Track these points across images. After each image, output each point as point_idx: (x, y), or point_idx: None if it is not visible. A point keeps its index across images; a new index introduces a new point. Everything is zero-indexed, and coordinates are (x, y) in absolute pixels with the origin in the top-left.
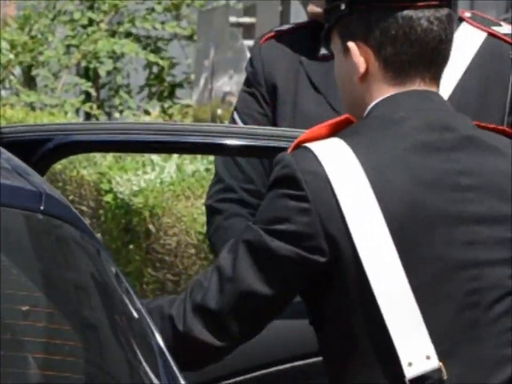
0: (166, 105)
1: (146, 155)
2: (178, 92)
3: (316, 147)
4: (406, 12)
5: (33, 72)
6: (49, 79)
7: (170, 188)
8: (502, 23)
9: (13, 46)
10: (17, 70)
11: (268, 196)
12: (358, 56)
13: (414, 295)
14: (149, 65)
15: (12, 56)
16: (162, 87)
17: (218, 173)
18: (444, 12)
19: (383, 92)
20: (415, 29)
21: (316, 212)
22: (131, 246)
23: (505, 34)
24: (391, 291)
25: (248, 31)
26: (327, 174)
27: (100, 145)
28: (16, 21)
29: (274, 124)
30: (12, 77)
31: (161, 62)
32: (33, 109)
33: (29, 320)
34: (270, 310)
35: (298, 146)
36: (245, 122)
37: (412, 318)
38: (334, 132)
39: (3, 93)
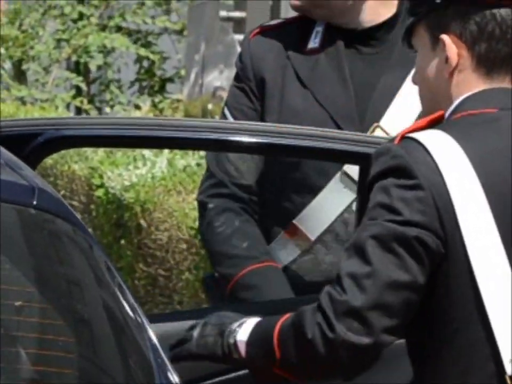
0: (156, 100)
1: (138, 150)
2: (169, 87)
3: (422, 137)
4: (505, 11)
5: (24, 67)
6: (40, 74)
7: (161, 183)
8: None
9: (3, 40)
10: (7, 65)
11: (379, 187)
12: (454, 49)
13: None
14: (139, 59)
15: (2, 50)
16: (152, 82)
17: (210, 168)
18: None
19: (470, 87)
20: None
21: (431, 199)
22: (122, 241)
23: None
24: (496, 287)
25: (238, 25)
26: (437, 163)
27: (91, 140)
28: (7, 15)
29: (262, 118)
30: (2, 71)
31: (151, 56)
32: (23, 103)
33: (22, 315)
34: (412, 299)
35: (404, 137)
36: (235, 117)
37: None
38: (431, 126)
39: None
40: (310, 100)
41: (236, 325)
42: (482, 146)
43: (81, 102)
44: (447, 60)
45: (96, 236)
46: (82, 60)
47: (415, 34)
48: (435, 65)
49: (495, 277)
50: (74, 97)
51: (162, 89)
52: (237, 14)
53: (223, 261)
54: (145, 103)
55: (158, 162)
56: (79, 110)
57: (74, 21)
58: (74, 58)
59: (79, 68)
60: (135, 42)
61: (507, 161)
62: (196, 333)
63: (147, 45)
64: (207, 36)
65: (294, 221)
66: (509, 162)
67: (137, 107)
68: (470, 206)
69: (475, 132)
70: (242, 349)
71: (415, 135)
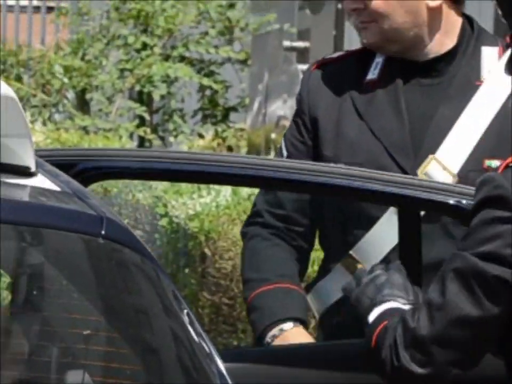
0: (219, 129)
1: None
2: (232, 116)
3: None
4: None
5: (87, 96)
6: (103, 103)
7: (225, 212)
8: None
9: (66, 70)
10: (71, 94)
11: (478, 217)
12: None
13: None
14: (202, 89)
15: (65, 80)
16: (216, 111)
17: (255, 199)
18: None
19: None
20: None
21: None
22: (186, 270)
23: None
24: None
25: (302, 55)
26: None
27: (126, 172)
28: (70, 45)
29: (316, 152)
30: (65, 101)
31: (214, 86)
32: (87, 132)
33: (90, 344)
34: (485, 333)
35: (509, 166)
36: (288, 150)
37: None
38: None
39: (57, 116)
40: (365, 131)
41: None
42: None
43: (145, 131)
44: None
45: (160, 264)
46: (145, 90)
47: None
48: None
49: None
50: (137, 127)
51: (225, 118)
52: (300, 43)
53: (243, 286)
54: (208, 132)
55: (222, 191)
56: (142, 140)
57: (138, 51)
58: (137, 88)
59: (142, 98)
60: (198, 72)
61: None
62: (361, 284)
63: (210, 75)
64: (271, 66)
65: (351, 252)
66: None
67: (201, 136)
68: None
69: None
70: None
71: None
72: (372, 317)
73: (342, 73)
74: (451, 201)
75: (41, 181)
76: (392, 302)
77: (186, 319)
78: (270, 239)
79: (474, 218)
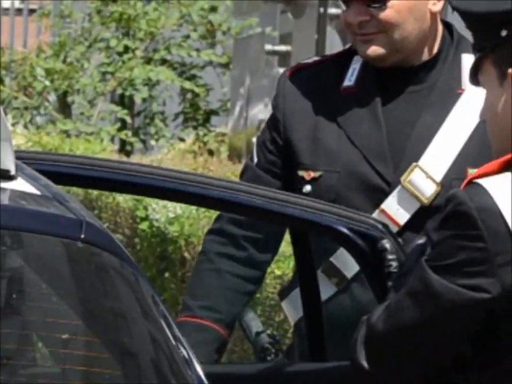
0: (201, 133)
1: None
2: (214, 120)
3: (488, 183)
4: None
5: (69, 99)
6: (85, 107)
7: (206, 215)
8: None
9: (48, 73)
10: (52, 97)
11: (442, 233)
12: None
13: None
14: (183, 92)
15: (47, 83)
16: (197, 115)
17: None
18: None
19: None
20: None
21: (491, 250)
22: (166, 274)
23: None
24: None
25: (283, 59)
26: (500, 210)
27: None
28: (52, 48)
29: (290, 161)
30: (46, 104)
31: (196, 89)
32: (68, 136)
33: (69, 348)
34: (429, 344)
35: (471, 182)
36: (258, 155)
37: None
38: (506, 168)
39: (38, 119)
40: (343, 139)
41: None
42: None
43: (126, 135)
44: None
45: (140, 268)
46: (127, 93)
47: (481, 71)
48: (504, 101)
49: None
50: (119, 130)
51: (206, 122)
52: (282, 47)
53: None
54: (189, 136)
55: None
56: (123, 143)
57: (120, 54)
58: (119, 91)
59: (124, 101)
60: (180, 75)
61: None
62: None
63: (192, 78)
64: (252, 69)
65: (331, 259)
66: None
67: (182, 140)
68: None
69: None
70: None
71: (482, 180)
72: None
73: (318, 79)
74: (336, 225)
75: (21, 184)
76: None
77: (165, 323)
78: (217, 260)
79: (439, 234)
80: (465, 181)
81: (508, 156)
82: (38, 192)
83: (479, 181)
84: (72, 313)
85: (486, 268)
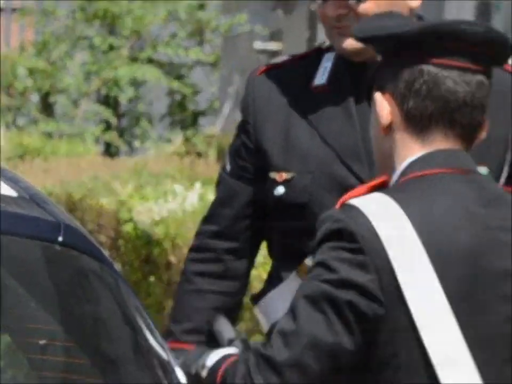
0: (189, 134)
1: (169, 184)
2: (202, 120)
3: (360, 203)
4: (433, 69)
5: (51, 99)
6: (68, 107)
7: (192, 218)
8: None
9: (30, 72)
10: (35, 97)
11: (321, 250)
12: (382, 107)
13: (470, 352)
14: (171, 92)
15: (29, 82)
16: (185, 115)
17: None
18: (475, 77)
19: (407, 147)
20: (438, 86)
21: (372, 264)
22: (152, 278)
23: None
24: (445, 349)
25: (274, 57)
26: (375, 228)
27: None
28: (35, 47)
29: (262, 163)
30: (29, 104)
31: (184, 90)
32: (51, 136)
33: (47, 354)
34: (336, 363)
35: (344, 204)
36: (231, 163)
37: (468, 376)
38: (373, 192)
39: (20, 120)
40: (316, 138)
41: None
42: (424, 208)
43: (111, 137)
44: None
45: (125, 272)
46: (112, 93)
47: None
48: (376, 122)
49: (445, 340)
50: (104, 131)
51: (194, 123)
52: (272, 45)
53: None
54: (177, 138)
55: (189, 196)
56: (108, 145)
57: (104, 53)
58: (104, 91)
59: (108, 101)
60: (167, 74)
61: (452, 220)
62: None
63: (179, 77)
64: (241, 68)
65: (306, 261)
66: (453, 221)
67: (169, 141)
68: (411, 267)
69: (419, 194)
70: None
71: (353, 201)
72: (210, 360)
73: (289, 78)
74: None
75: None
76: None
77: (146, 327)
78: (197, 280)
79: (318, 253)
80: (338, 204)
81: (378, 180)
82: (15, 194)
83: (351, 201)
84: (50, 317)
85: (369, 283)
